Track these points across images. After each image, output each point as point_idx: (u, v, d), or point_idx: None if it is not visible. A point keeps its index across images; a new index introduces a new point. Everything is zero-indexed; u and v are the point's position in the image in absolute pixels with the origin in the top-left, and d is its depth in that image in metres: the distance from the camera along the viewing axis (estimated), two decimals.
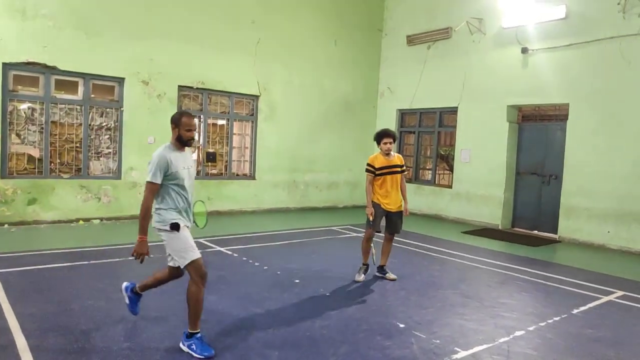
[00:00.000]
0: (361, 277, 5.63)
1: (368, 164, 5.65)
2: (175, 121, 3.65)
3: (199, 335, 3.55)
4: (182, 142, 3.66)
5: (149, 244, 3.59)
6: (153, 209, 3.60)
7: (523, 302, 5.18)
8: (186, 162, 3.71)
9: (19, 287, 4.85)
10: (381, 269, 5.82)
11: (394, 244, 6.09)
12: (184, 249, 3.55)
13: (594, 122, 8.59)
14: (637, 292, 5.72)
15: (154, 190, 3.55)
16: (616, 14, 8.29)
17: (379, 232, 5.68)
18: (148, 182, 3.53)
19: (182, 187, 3.65)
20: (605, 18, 8.44)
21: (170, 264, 3.83)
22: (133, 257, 3.58)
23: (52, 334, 3.74)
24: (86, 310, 4.27)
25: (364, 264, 5.71)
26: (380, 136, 5.62)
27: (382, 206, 5.61)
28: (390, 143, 5.56)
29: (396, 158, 5.71)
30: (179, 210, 3.63)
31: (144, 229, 3.53)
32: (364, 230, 5.78)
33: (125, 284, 4.13)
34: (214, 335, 3.88)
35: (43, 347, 3.50)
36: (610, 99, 8.38)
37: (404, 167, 5.80)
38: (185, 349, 3.53)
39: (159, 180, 3.53)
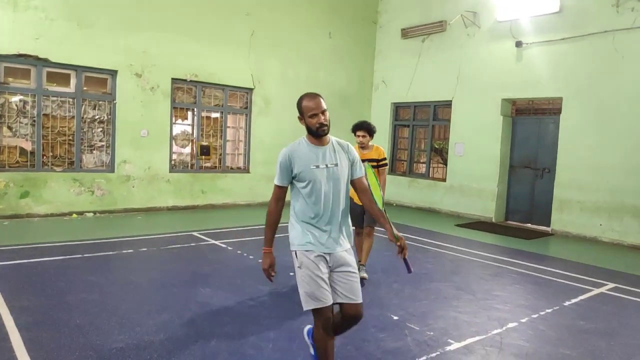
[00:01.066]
0: (363, 274, 5.32)
1: None
2: (299, 108, 2.82)
3: None
4: (312, 133, 2.79)
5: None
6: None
7: (516, 294, 5.21)
8: (324, 159, 2.79)
9: (12, 280, 4.83)
10: (358, 264, 5.37)
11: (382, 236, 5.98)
12: (305, 292, 2.75)
13: (587, 115, 8.62)
14: (628, 284, 5.78)
15: (277, 195, 2.86)
16: (610, 7, 8.30)
17: (362, 228, 5.40)
18: (274, 185, 2.89)
19: (315, 192, 2.77)
20: (599, 12, 8.44)
21: None
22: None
23: (46, 327, 3.72)
24: (80, 303, 4.25)
25: (362, 264, 5.45)
26: (355, 128, 5.42)
27: (355, 200, 5.29)
28: (364, 136, 5.31)
29: (373, 151, 5.42)
30: (310, 225, 2.80)
31: (266, 239, 2.87)
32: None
33: (306, 328, 3.33)
34: (208, 327, 3.88)
35: (37, 341, 3.48)
36: (604, 93, 8.40)
37: (384, 161, 5.48)
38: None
39: (280, 182, 2.83)
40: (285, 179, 2.82)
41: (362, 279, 5.18)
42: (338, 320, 2.87)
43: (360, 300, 2.84)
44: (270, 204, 2.87)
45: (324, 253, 2.77)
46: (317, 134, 2.78)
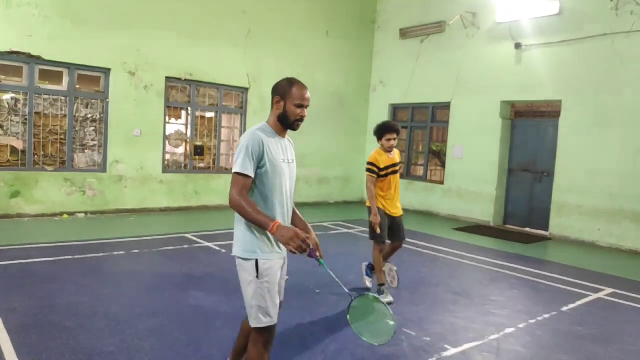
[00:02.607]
0: (389, 298, 4.70)
1: (370, 164, 4.77)
2: (282, 91, 2.53)
3: None
4: (286, 123, 2.55)
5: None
6: (235, 224, 2.56)
7: (513, 300, 5.17)
8: (287, 153, 2.60)
9: (1, 282, 4.74)
10: (380, 287, 4.95)
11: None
12: (260, 306, 2.46)
13: (587, 119, 8.58)
14: (626, 289, 5.74)
15: (246, 186, 2.42)
16: (609, 10, 8.28)
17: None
18: (235, 174, 2.41)
19: (279, 190, 2.51)
20: (598, 14, 8.42)
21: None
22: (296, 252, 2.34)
23: (35, 330, 3.66)
24: (70, 306, 4.19)
25: (381, 284, 4.83)
26: (383, 131, 4.79)
27: (387, 211, 4.87)
28: (395, 139, 4.78)
29: (396, 155, 4.99)
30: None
31: (264, 218, 2.35)
32: (371, 241, 4.95)
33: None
34: (201, 332, 3.81)
35: (26, 344, 3.42)
36: (603, 96, 8.37)
37: (401, 164, 5.19)
38: None
39: (250, 171, 2.40)
40: (254, 168, 2.42)
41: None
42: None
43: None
44: (237, 199, 2.38)
45: (282, 259, 2.59)
46: (292, 126, 2.56)
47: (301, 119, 2.55)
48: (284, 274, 2.71)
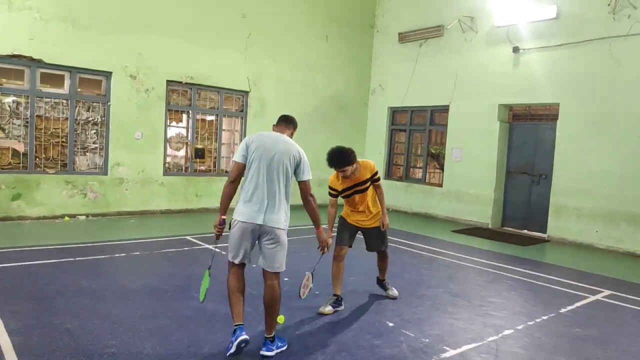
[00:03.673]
0: (326, 309, 4.47)
1: (329, 186, 4.71)
2: (296, 126, 3.93)
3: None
4: None
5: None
6: (280, 207, 3.67)
7: (512, 301, 5.20)
8: None
9: (2, 284, 4.76)
10: (381, 283, 5.17)
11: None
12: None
13: (584, 122, 8.64)
14: (624, 291, 5.77)
15: None
16: (606, 14, 8.34)
17: (350, 247, 4.81)
18: (309, 181, 3.77)
19: None
20: (596, 18, 8.48)
21: (268, 268, 3.82)
22: (322, 251, 4.07)
23: (37, 332, 3.67)
24: (71, 307, 4.20)
25: (334, 295, 4.62)
26: (328, 164, 4.49)
27: (349, 220, 4.83)
28: (344, 172, 4.40)
29: (362, 171, 4.58)
30: None
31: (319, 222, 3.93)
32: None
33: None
34: (202, 334, 3.84)
35: (27, 345, 3.43)
36: (600, 99, 8.42)
37: (376, 176, 4.69)
38: (274, 353, 3.55)
39: None
40: None
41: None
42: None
43: None
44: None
45: None
46: None
47: None
48: None
